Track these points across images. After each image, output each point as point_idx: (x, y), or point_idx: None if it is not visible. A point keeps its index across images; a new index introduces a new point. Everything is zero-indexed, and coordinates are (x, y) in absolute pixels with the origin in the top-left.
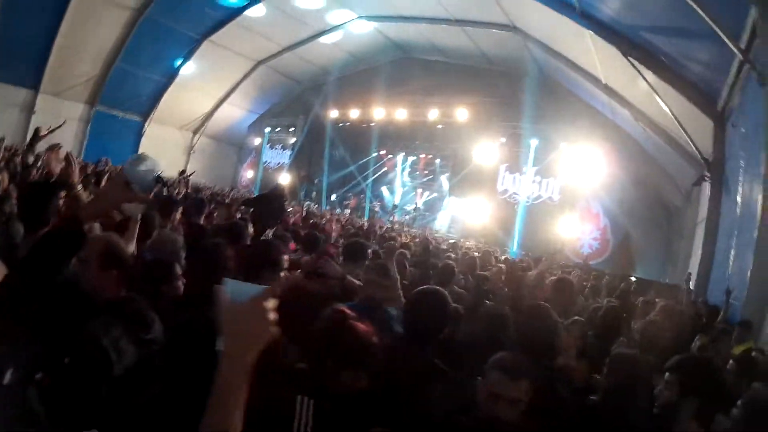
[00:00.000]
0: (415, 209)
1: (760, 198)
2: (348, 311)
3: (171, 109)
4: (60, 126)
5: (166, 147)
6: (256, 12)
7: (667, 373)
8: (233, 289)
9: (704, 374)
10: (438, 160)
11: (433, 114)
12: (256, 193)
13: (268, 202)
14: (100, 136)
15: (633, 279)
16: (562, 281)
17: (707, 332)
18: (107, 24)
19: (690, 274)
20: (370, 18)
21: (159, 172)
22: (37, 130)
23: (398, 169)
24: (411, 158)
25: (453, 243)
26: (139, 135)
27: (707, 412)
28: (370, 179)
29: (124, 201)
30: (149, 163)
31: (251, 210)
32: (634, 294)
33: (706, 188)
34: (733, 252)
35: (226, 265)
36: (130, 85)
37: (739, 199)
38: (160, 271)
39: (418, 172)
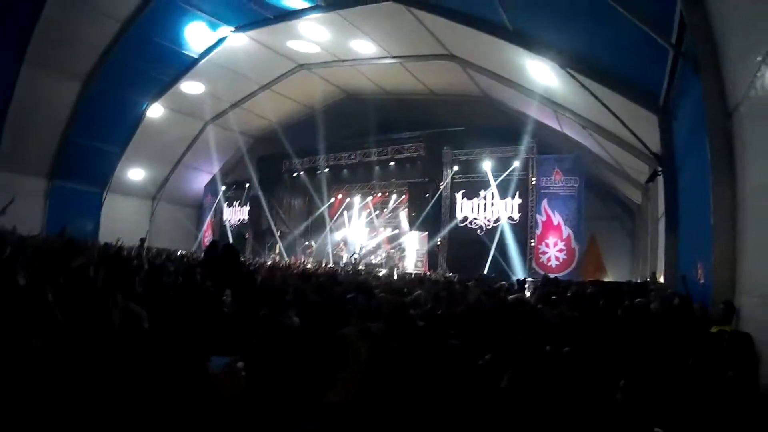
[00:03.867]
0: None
1: (710, 184)
2: None
3: (127, 177)
4: (10, 203)
5: (126, 216)
6: (199, 71)
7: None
8: (215, 362)
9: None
10: (394, 197)
11: (384, 152)
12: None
13: (219, 264)
14: (61, 209)
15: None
16: None
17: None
18: (59, 96)
19: (654, 273)
20: (309, 66)
21: None
22: None
23: (356, 210)
24: (368, 198)
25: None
26: (99, 206)
27: None
28: (329, 224)
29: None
30: None
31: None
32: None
33: (661, 182)
34: (695, 241)
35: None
36: (86, 157)
37: (692, 188)
38: None
39: (377, 211)
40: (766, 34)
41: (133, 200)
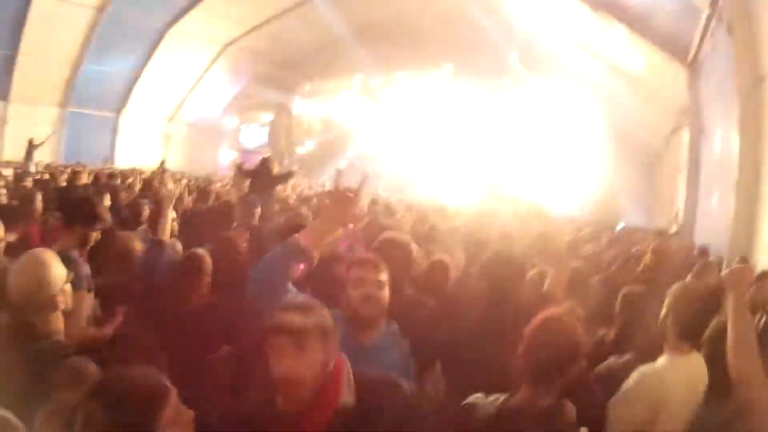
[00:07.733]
0: None
1: (737, 142)
2: None
3: (144, 101)
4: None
5: (143, 139)
6: None
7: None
8: None
9: None
10: None
11: None
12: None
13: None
14: (76, 136)
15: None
16: None
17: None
18: (70, 25)
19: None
20: None
21: None
22: (30, 141)
23: None
24: None
25: None
26: (115, 131)
27: None
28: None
29: None
30: None
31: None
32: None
33: (685, 135)
34: (716, 196)
35: None
36: (101, 83)
37: (718, 144)
38: None
39: None
40: None
41: (149, 123)
